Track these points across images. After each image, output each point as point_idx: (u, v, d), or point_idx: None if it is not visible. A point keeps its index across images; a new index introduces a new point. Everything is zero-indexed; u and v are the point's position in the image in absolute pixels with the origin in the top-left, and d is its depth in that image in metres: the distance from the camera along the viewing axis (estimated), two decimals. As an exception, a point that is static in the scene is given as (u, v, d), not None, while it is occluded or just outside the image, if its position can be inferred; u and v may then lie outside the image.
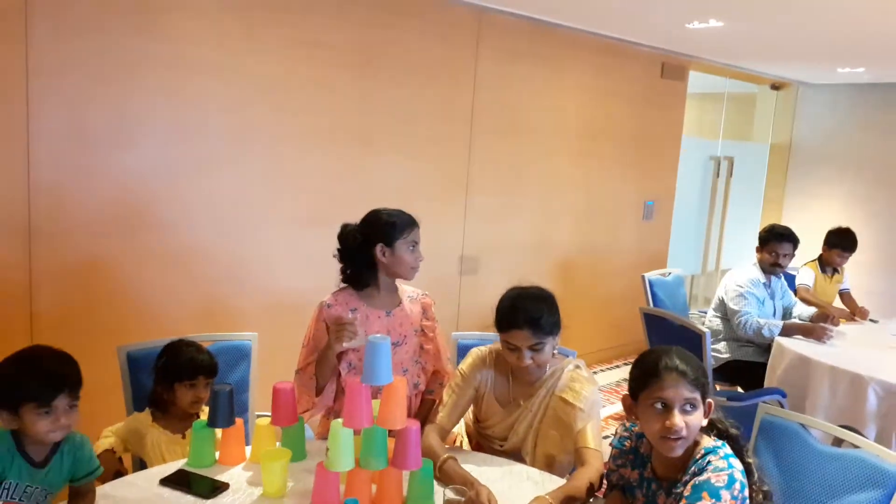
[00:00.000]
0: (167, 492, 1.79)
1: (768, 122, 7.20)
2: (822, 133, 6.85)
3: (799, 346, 3.49)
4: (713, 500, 1.51)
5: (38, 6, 2.72)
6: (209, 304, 3.36)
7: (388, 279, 2.28)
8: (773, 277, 3.99)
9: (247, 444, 2.05)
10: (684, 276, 5.24)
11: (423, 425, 1.97)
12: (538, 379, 2.11)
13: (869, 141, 6.53)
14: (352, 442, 1.71)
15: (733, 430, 1.69)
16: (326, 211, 3.63)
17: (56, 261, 2.90)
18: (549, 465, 2.07)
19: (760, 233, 4.01)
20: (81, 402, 1.69)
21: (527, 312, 2.01)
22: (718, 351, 3.94)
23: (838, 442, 2.18)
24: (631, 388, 1.70)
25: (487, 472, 1.95)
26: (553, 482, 1.91)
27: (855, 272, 5.01)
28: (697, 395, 1.62)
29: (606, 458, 1.88)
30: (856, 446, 2.00)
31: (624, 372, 5.32)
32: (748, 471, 1.62)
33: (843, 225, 4.41)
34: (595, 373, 5.22)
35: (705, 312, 4.24)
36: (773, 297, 3.97)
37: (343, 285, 2.29)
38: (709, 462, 1.57)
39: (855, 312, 4.27)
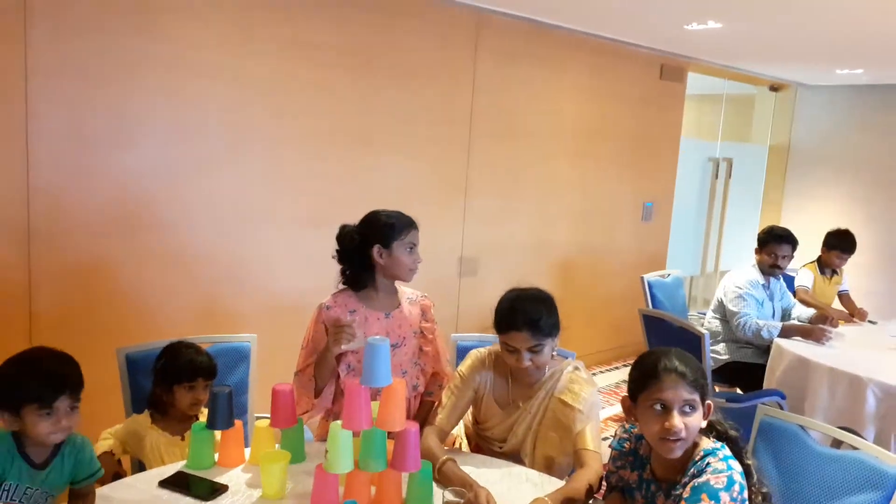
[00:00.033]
0: (166, 494, 1.79)
1: (767, 124, 7.21)
2: (821, 134, 6.86)
3: (798, 347, 3.49)
4: (712, 502, 1.51)
5: (37, 6, 2.72)
6: (209, 304, 3.36)
7: (387, 281, 2.28)
8: (771, 279, 3.99)
9: (246, 445, 2.05)
10: (683, 277, 5.24)
11: (422, 427, 1.97)
12: (537, 381, 2.11)
13: (867, 142, 6.54)
14: (351, 444, 1.71)
15: (732, 432, 1.70)
16: (326, 212, 3.63)
17: (55, 261, 2.90)
18: (549, 467, 2.07)
19: (759, 234, 4.02)
20: (81, 403, 1.69)
21: (526, 314, 2.01)
22: (717, 352, 3.94)
23: (837, 443, 2.18)
24: (630, 390, 1.70)
25: (486, 473, 1.95)
26: (552, 484, 1.90)
27: (854, 274, 5.02)
28: (696, 397, 1.62)
29: (606, 460, 1.88)
30: (855, 448, 2.00)
31: (623, 373, 5.32)
32: (747, 472, 1.62)
33: (842, 226, 4.41)
34: (594, 374, 5.22)
35: (704, 314, 4.24)
36: (772, 298, 3.97)
37: (342, 287, 2.29)
38: (708, 464, 1.57)
39: (854, 314, 4.28)
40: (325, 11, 3.54)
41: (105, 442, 2.20)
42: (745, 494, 1.58)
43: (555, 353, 2.12)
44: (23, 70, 2.72)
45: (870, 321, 4.24)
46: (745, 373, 3.87)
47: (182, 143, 3.17)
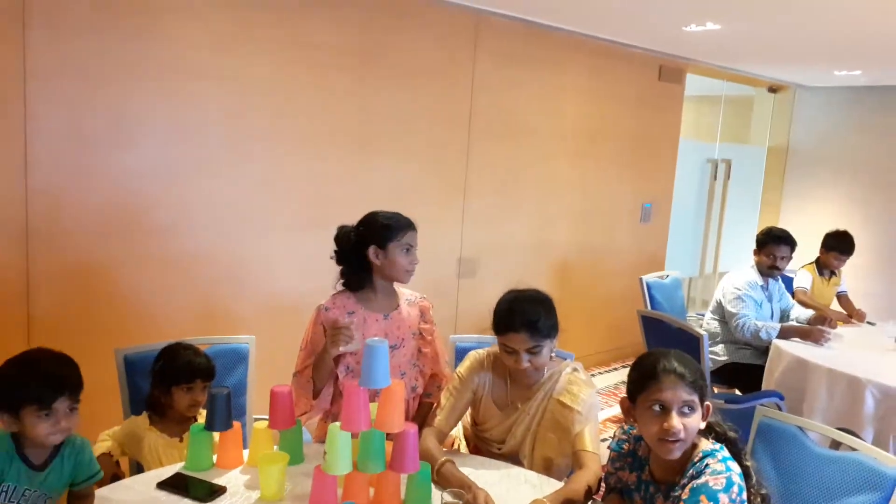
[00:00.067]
0: (164, 495, 1.79)
1: (765, 125, 7.22)
2: (819, 136, 6.86)
3: (796, 348, 3.49)
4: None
5: (35, 8, 2.72)
6: (207, 306, 3.36)
7: (385, 282, 2.28)
8: (770, 280, 4.00)
9: (244, 447, 2.05)
10: (682, 278, 5.24)
11: (420, 428, 1.97)
12: (536, 382, 2.11)
13: (866, 144, 6.55)
14: (349, 445, 1.71)
15: (731, 433, 1.70)
16: (325, 213, 3.63)
17: (54, 262, 2.90)
18: (547, 469, 2.07)
19: (758, 235, 4.02)
20: (80, 404, 1.69)
21: (524, 315, 2.01)
22: (716, 353, 3.94)
23: (836, 444, 2.18)
24: (629, 391, 1.70)
25: (485, 475, 1.95)
26: (551, 485, 1.90)
27: (852, 275, 5.02)
28: (695, 398, 1.62)
29: (604, 461, 1.88)
30: (853, 449, 2.01)
31: (622, 374, 5.32)
32: (746, 474, 1.62)
33: (841, 228, 4.42)
34: (593, 375, 5.22)
35: (703, 315, 4.24)
36: (770, 299, 3.98)
37: (341, 288, 2.29)
38: (707, 465, 1.58)
39: (852, 315, 4.28)
40: (325, 12, 3.54)
41: (103, 443, 2.20)
42: (744, 496, 1.58)
43: (553, 355, 2.12)
44: (21, 71, 2.72)
45: (868, 322, 4.25)
46: (744, 374, 3.87)
47: (181, 143, 3.17)
